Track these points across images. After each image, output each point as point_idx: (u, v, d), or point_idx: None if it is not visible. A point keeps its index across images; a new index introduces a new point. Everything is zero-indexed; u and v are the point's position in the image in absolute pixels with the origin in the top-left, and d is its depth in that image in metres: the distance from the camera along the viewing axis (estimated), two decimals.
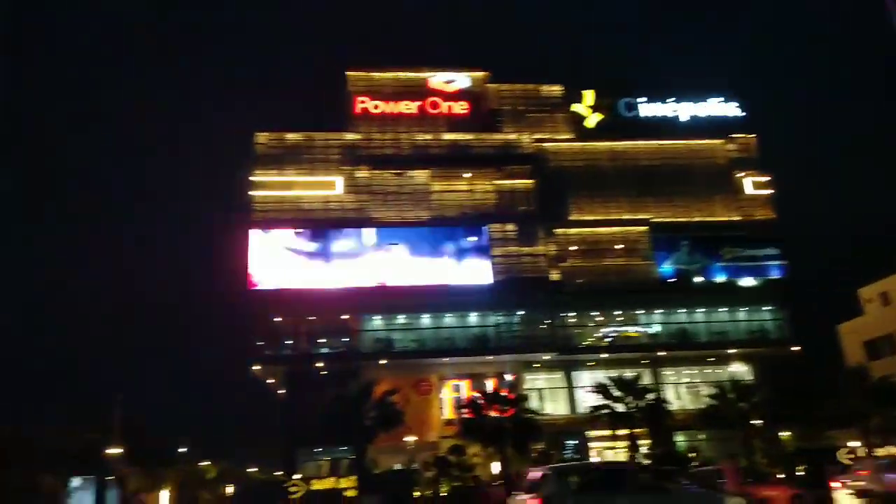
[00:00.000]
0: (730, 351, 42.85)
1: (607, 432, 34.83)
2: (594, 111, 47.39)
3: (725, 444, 37.25)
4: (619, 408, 32.46)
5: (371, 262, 40.91)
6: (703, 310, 43.49)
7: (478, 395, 33.53)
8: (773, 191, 46.29)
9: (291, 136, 44.17)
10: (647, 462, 30.60)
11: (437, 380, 40.66)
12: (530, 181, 44.25)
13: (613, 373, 36.61)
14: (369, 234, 41.74)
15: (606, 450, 39.13)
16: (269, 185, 42.38)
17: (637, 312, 43.26)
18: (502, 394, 33.22)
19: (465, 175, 44.34)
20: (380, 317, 40.87)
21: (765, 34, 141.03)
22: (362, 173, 43.39)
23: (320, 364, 39.16)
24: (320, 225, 41.60)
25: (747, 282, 43.60)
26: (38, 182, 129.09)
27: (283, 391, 41.90)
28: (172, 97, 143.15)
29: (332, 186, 42.90)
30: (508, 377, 40.18)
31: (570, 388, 42.04)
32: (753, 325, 43.28)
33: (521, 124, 46.83)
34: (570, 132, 47.00)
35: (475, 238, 42.38)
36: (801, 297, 44.02)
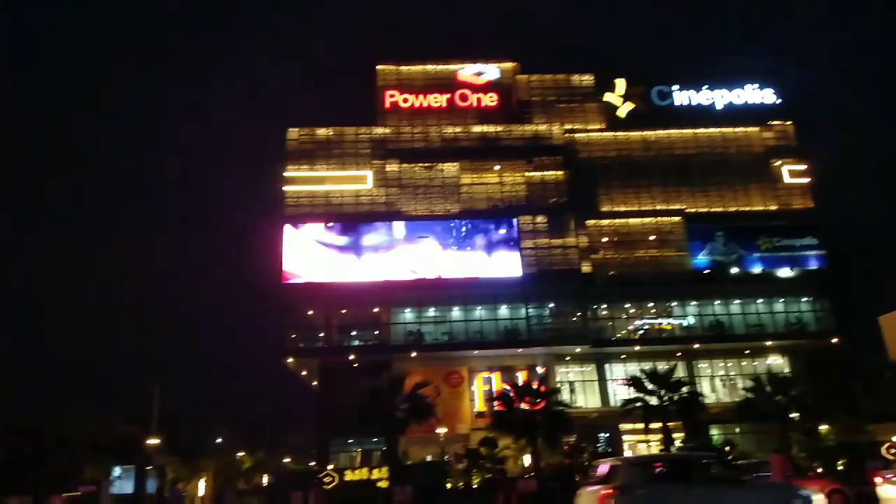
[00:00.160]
0: (767, 343, 41.97)
1: (640, 425, 34.48)
2: (626, 100, 46.77)
3: (761, 438, 36.64)
4: (653, 401, 32.12)
5: (401, 256, 41.13)
6: (739, 301, 42.65)
7: (508, 387, 33.52)
8: (811, 179, 45.11)
9: (322, 132, 44.59)
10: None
11: (468, 372, 40.74)
12: (561, 172, 43.88)
13: (646, 365, 36.24)
14: (399, 227, 41.94)
15: (639, 443, 38.81)
16: (300, 180, 42.90)
17: (671, 304, 42.67)
18: (533, 386, 33.15)
19: (495, 167, 44.18)
20: (410, 309, 41.06)
21: (801, 16, 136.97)
22: (392, 167, 43.60)
23: (352, 356, 39.62)
24: (351, 219, 41.96)
25: (785, 272, 42.60)
26: (70, 175, 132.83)
27: (316, 383, 42.53)
28: (204, 94, 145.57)
29: (362, 181, 43.21)
30: (539, 370, 40.03)
31: (602, 380, 41.73)
32: (791, 316, 42.27)
33: (552, 115, 46.47)
34: (601, 122, 46.49)
35: (505, 230, 42.25)
36: (841, 287, 42.86)
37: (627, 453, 36.89)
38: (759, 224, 43.49)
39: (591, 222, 43.34)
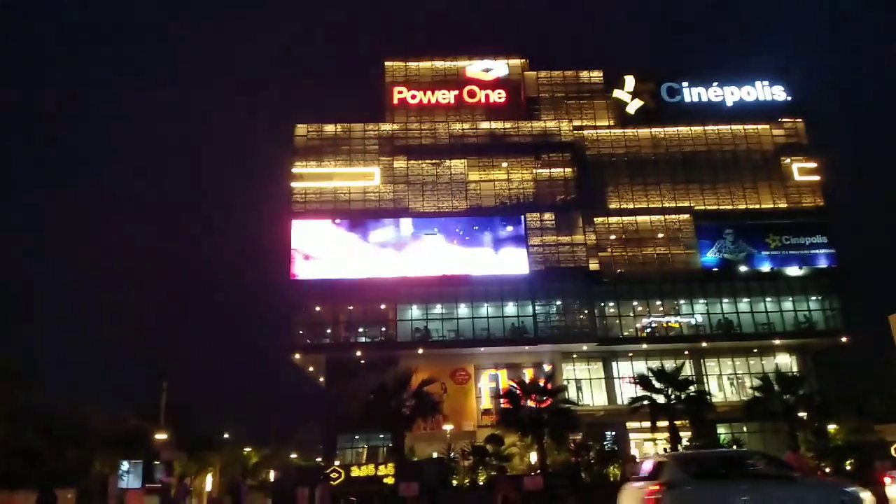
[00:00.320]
0: (775, 342, 41.74)
1: (647, 424, 34.35)
2: (635, 97, 46.60)
3: (769, 437, 36.48)
4: (660, 399, 31.97)
5: (408, 253, 41.15)
6: (748, 300, 42.41)
7: (515, 385, 33.45)
8: (821, 177, 44.78)
9: (330, 128, 44.66)
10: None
11: (475, 369, 40.77)
12: (569, 169, 43.76)
13: (654, 364, 36.14)
14: (407, 224, 41.97)
15: (646, 441, 38.72)
16: (308, 176, 43.00)
17: (679, 302, 42.50)
18: (540, 384, 33.06)
19: (503, 164, 44.13)
20: (417, 306, 41.11)
21: (812, 12, 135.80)
22: (400, 163, 43.61)
23: (359, 353, 39.71)
24: (359, 215, 42.03)
25: (794, 271, 42.35)
26: (76, 171, 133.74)
27: (323, 379, 42.66)
28: (211, 89, 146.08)
29: (370, 177, 43.26)
30: (546, 367, 39.98)
31: (610, 378, 41.65)
32: (800, 315, 42.00)
33: (560, 112, 46.38)
34: (610, 119, 46.33)
35: (512, 228, 42.18)
36: (851, 286, 42.55)
37: (634, 452, 36.82)
38: (768, 222, 43.25)
39: (599, 220, 43.22)
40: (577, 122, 45.70)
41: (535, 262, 41.25)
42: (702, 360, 42.10)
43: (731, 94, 47.02)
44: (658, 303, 42.52)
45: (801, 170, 44.71)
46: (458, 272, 40.68)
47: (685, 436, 32.98)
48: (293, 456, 48.13)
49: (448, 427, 35.79)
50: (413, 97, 46.11)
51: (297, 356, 40.24)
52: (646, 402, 32.17)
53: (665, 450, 35.04)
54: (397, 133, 44.64)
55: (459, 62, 47.46)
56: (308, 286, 40.06)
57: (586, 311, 41.27)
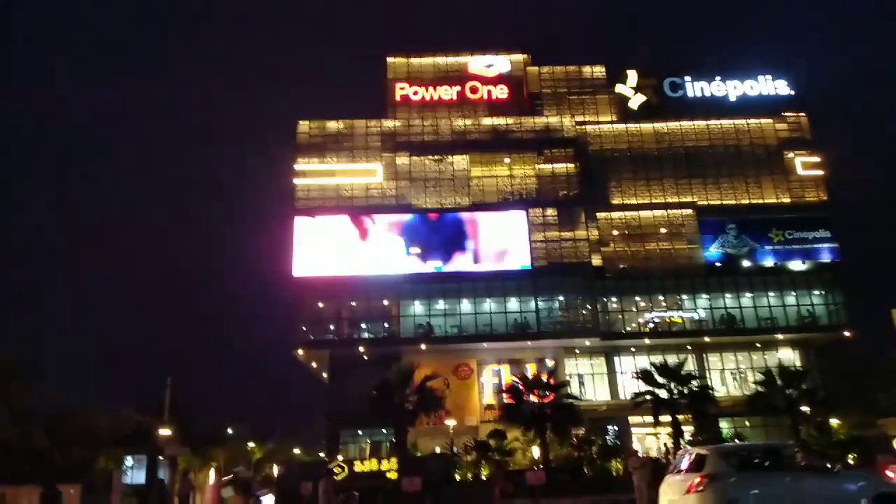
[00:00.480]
0: (778, 336, 41.70)
1: (649, 419, 34.44)
2: (637, 92, 46.51)
3: (771, 432, 36.49)
4: (663, 394, 32.07)
5: (411, 249, 41.16)
6: (751, 294, 42.34)
7: (518, 380, 33.57)
8: (824, 172, 44.64)
9: (332, 125, 44.68)
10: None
11: (477, 365, 40.84)
12: (572, 165, 43.72)
13: (657, 358, 36.16)
14: (410, 220, 41.97)
15: (648, 436, 38.76)
16: (310, 173, 43.04)
17: (682, 297, 42.44)
18: (542, 379, 33.17)
19: (505, 160, 44.09)
20: (420, 302, 41.17)
21: (817, 5, 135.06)
22: (402, 160, 43.61)
23: (362, 349, 39.80)
24: (361, 212, 42.06)
25: (797, 265, 42.26)
26: (78, 168, 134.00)
27: (327, 375, 42.79)
28: (213, 87, 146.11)
29: (372, 174, 43.29)
30: (549, 362, 40.04)
31: (612, 373, 41.68)
32: (803, 310, 41.92)
33: (563, 107, 46.32)
34: (612, 114, 46.25)
35: (516, 223, 42.07)
36: (854, 281, 42.46)
37: (637, 446, 36.83)
38: (771, 217, 43.15)
39: (601, 215, 43.19)
40: (579, 118, 45.64)
41: (537, 258, 41.25)
42: (704, 355, 42.10)
43: (733, 89, 46.88)
44: (661, 298, 42.50)
45: (804, 164, 44.58)
46: (460, 268, 40.70)
47: (687, 430, 33.03)
48: (296, 451, 48.36)
49: (451, 422, 35.88)
50: (415, 93, 46.13)
51: (301, 352, 40.35)
52: (648, 397, 32.26)
53: (665, 445, 35.09)
54: (399, 129, 44.63)
55: (461, 58, 47.45)
56: (311, 282, 40.14)
57: (589, 307, 41.27)
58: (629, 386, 38.85)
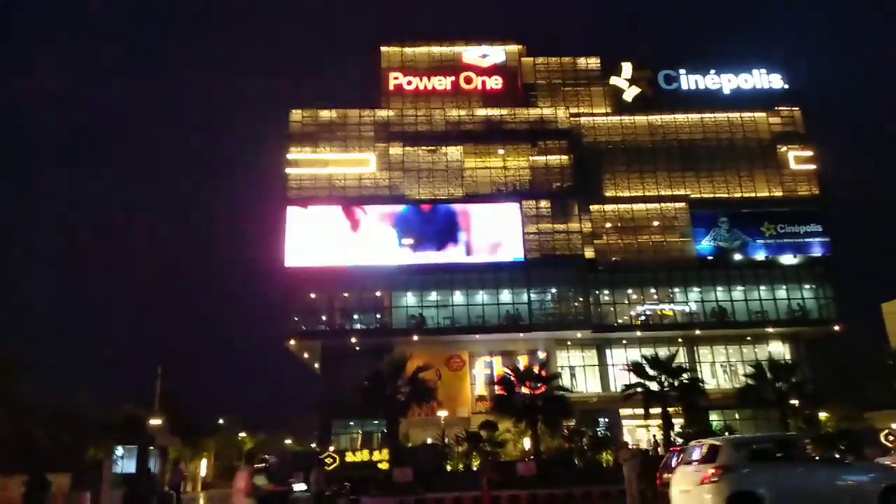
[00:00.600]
0: (769, 330, 41.94)
1: (640, 410, 34.63)
2: (632, 84, 46.43)
3: (760, 424, 36.79)
4: (653, 386, 32.25)
5: (404, 240, 41.05)
6: (742, 288, 42.54)
7: (509, 371, 33.65)
8: (817, 166, 44.78)
9: (325, 114, 44.39)
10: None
11: (469, 356, 40.90)
12: (565, 157, 43.65)
13: (648, 351, 36.35)
14: (403, 211, 41.83)
15: (639, 428, 39.00)
16: (303, 162, 42.78)
17: (673, 290, 42.59)
18: (534, 371, 33.27)
19: (499, 151, 43.96)
20: (412, 293, 41.12)
21: (817, 4, 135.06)
22: (396, 150, 43.42)
23: (354, 340, 39.75)
24: (354, 202, 41.87)
25: (788, 259, 42.47)
26: (69, 160, 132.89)
27: (319, 366, 42.75)
28: (205, 77, 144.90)
29: (365, 163, 43.08)
30: (541, 354, 40.12)
31: (603, 366, 41.85)
32: (794, 303, 42.18)
33: (557, 99, 46.21)
34: (607, 106, 46.18)
35: (508, 215, 42.04)
36: (845, 275, 42.76)
37: (627, 438, 37.05)
38: (763, 210, 43.30)
39: (595, 207, 43.21)
40: (573, 109, 45.55)
41: (530, 250, 41.25)
42: (695, 348, 42.34)
43: (728, 82, 46.88)
44: (653, 291, 42.63)
45: (796, 158, 44.70)
46: (453, 259, 40.66)
47: (677, 423, 33.25)
48: (288, 442, 48.38)
49: (443, 413, 35.96)
50: (409, 83, 45.89)
51: (292, 343, 40.26)
52: (639, 389, 32.42)
53: (654, 437, 35.29)
54: (393, 119, 44.41)
55: (456, 48, 47.20)
56: (303, 273, 39.99)
57: (581, 299, 41.36)
58: (620, 378, 39.02)
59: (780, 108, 45.93)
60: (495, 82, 46.24)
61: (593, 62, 47.22)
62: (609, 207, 43.53)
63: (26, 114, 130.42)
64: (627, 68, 46.63)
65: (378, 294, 41.01)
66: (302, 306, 40.42)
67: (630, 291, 42.63)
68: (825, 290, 42.31)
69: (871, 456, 21.78)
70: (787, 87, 46.74)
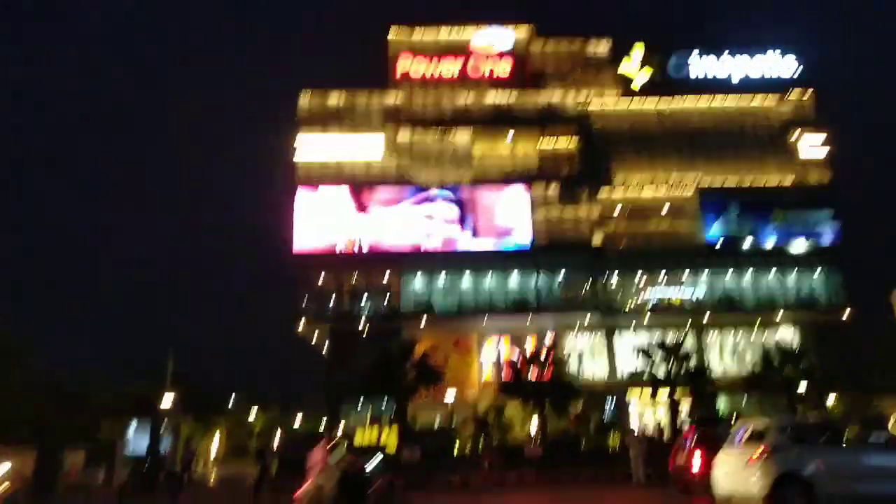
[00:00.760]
0: (777, 316, 41.82)
1: (647, 395, 34.77)
2: (642, 68, 46.00)
3: (767, 409, 36.77)
4: (661, 371, 32.35)
5: (412, 224, 41.13)
6: (751, 274, 42.40)
7: (517, 355, 33.80)
8: (829, 152, 44.35)
9: (334, 97, 44.35)
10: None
11: (477, 340, 41.07)
12: (574, 143, 43.45)
13: (656, 336, 36.34)
14: (411, 195, 41.82)
15: (646, 412, 39.12)
16: (312, 146, 42.79)
17: (682, 276, 42.50)
18: (542, 355, 33.39)
19: (508, 137, 43.83)
20: (420, 277, 41.26)
21: None
22: (404, 134, 43.36)
23: (363, 323, 39.96)
24: (362, 186, 41.91)
25: (798, 247, 42.24)
26: (79, 140, 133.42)
27: (327, 348, 43.04)
28: (212, 59, 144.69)
29: (374, 148, 43.06)
30: (548, 339, 40.23)
31: (611, 350, 41.90)
32: (803, 290, 42.03)
33: (566, 84, 45.88)
34: (616, 92, 45.87)
35: (516, 201, 41.98)
36: (854, 262, 42.43)
37: (633, 422, 37.25)
38: (773, 197, 43.00)
39: (603, 193, 43.05)
40: (583, 95, 45.24)
41: (538, 235, 41.22)
42: (703, 334, 42.29)
43: (740, 66, 46.39)
44: (661, 276, 42.55)
45: (808, 144, 44.29)
46: (461, 244, 40.72)
47: (684, 407, 33.34)
48: (298, 421, 48.85)
49: (450, 396, 36.19)
50: (417, 68, 45.65)
51: (302, 326, 40.53)
52: (646, 374, 32.51)
53: (658, 423, 35.37)
54: (401, 104, 44.30)
55: (465, 33, 46.78)
56: (312, 256, 40.16)
57: (589, 284, 41.35)
58: (628, 363, 39.10)
59: (792, 93, 45.45)
60: (503, 69, 45.95)
61: (603, 46, 46.77)
62: (618, 193, 43.37)
63: (29, 90, 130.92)
64: (638, 53, 46.22)
65: (386, 278, 41.16)
66: (311, 289, 40.63)
67: (638, 277, 42.57)
68: (834, 277, 42.11)
69: None
70: (800, 70, 46.20)
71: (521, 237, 41.11)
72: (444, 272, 41.19)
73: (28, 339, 25.07)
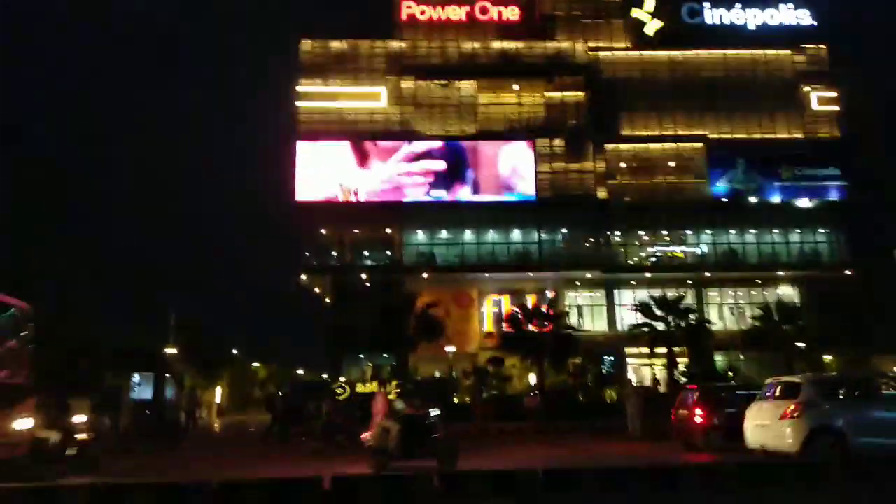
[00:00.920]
0: (779, 273, 41.79)
1: (645, 350, 35.12)
2: (654, 17, 44.70)
3: (764, 366, 37.17)
4: (660, 327, 32.61)
5: (415, 176, 40.75)
6: (755, 231, 42.19)
7: (517, 309, 34.06)
8: (840, 107, 43.45)
9: (336, 44, 43.29)
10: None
11: (478, 294, 41.24)
12: (582, 93, 42.57)
13: (656, 292, 36.45)
14: (414, 147, 41.31)
15: (643, 367, 39.60)
16: (314, 95, 42.05)
17: (686, 232, 42.30)
18: (542, 309, 33.66)
19: (514, 86, 42.94)
20: (423, 231, 41.16)
21: None
22: (407, 84, 42.50)
23: (364, 276, 40.09)
24: (365, 137, 41.37)
25: (804, 203, 41.85)
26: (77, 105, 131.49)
27: (330, 300, 43.34)
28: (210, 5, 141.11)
29: (376, 97, 42.30)
30: (549, 293, 40.40)
31: (611, 305, 42.05)
32: (807, 247, 41.87)
33: (576, 31, 44.66)
34: (627, 40, 44.70)
35: (524, 153, 41.45)
36: (860, 220, 42.05)
37: (631, 376, 37.75)
38: (781, 152, 42.36)
39: (610, 147, 42.44)
40: (592, 43, 44.08)
41: (543, 189, 40.86)
42: (704, 290, 42.35)
43: (753, 17, 45.03)
44: (664, 232, 42.37)
45: (819, 99, 43.38)
46: (464, 197, 40.43)
47: (682, 363, 33.74)
48: (300, 372, 49.72)
49: (451, 349, 36.62)
50: (423, 13, 44.37)
51: (304, 277, 40.71)
52: (646, 329, 32.78)
53: (655, 376, 35.80)
54: (405, 51, 43.27)
55: None
56: (313, 208, 40.00)
57: (592, 239, 41.24)
58: (627, 318, 39.33)
59: (806, 46, 44.25)
60: (512, 12, 44.62)
61: None
62: (624, 146, 42.74)
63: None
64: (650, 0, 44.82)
65: (388, 231, 41.09)
66: (313, 242, 40.64)
67: (642, 232, 42.41)
68: (839, 235, 41.87)
69: None
70: (814, 23, 44.83)
71: (525, 190, 40.72)
72: (446, 226, 41.02)
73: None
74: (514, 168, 41.06)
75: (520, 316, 32.94)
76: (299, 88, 42.04)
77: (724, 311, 42.45)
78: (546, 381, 31.88)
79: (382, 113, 42.18)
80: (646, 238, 42.36)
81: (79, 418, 14.23)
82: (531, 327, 32.32)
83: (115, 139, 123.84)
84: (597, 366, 35.97)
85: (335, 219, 40.28)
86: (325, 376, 42.41)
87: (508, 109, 42.80)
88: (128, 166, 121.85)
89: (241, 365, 40.49)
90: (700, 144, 42.54)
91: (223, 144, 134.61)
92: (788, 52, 44.17)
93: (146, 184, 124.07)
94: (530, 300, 38.40)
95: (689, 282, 41.25)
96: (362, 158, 40.84)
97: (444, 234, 41.23)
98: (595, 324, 41.81)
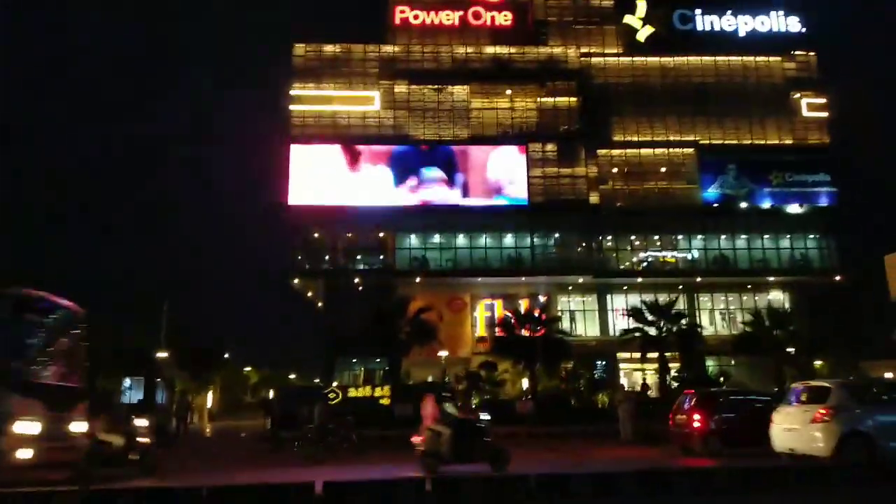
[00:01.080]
0: (770, 279, 42.08)
1: (637, 355, 35.24)
2: (646, 23, 45.00)
3: (755, 371, 37.42)
4: (652, 332, 32.73)
5: (408, 181, 40.75)
6: (746, 236, 42.48)
7: (510, 314, 34.11)
8: (829, 114, 43.86)
9: (329, 48, 43.32)
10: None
11: (471, 299, 41.28)
12: (574, 98, 42.76)
13: (648, 297, 36.60)
14: (407, 151, 41.33)
15: (635, 371, 39.73)
16: (307, 99, 42.04)
17: (677, 237, 42.53)
18: (534, 314, 33.70)
19: (507, 91, 43.07)
20: (416, 235, 41.18)
21: None
22: (400, 88, 42.56)
23: (357, 279, 40.04)
24: (358, 141, 41.34)
25: (794, 209, 42.16)
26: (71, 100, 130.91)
27: (322, 304, 43.24)
28: (205, 7, 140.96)
29: (369, 101, 42.32)
30: (541, 298, 40.48)
31: (603, 310, 42.22)
32: (797, 253, 42.18)
33: (568, 37, 44.89)
34: (619, 46, 44.95)
35: (513, 158, 41.57)
36: (850, 226, 42.46)
37: (623, 381, 37.86)
38: (772, 158, 42.71)
39: (602, 152, 42.65)
40: (584, 49, 44.33)
41: (535, 194, 40.97)
42: (696, 295, 42.58)
43: (744, 24, 45.45)
44: (656, 237, 42.59)
45: (809, 105, 43.77)
46: (457, 201, 40.48)
47: (673, 367, 33.86)
48: (292, 377, 49.52)
49: (443, 353, 36.59)
50: (416, 17, 44.52)
51: (296, 281, 40.61)
52: (637, 334, 32.89)
53: (644, 381, 35.92)
54: (398, 55, 43.35)
55: None
56: (306, 212, 39.91)
57: (584, 244, 41.39)
58: (619, 323, 39.48)
59: (796, 53, 44.67)
60: (504, 18, 44.83)
61: None
62: (616, 152, 42.96)
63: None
64: (642, 6, 45.10)
65: (381, 235, 41.08)
66: (306, 245, 40.57)
67: (633, 237, 42.61)
68: (829, 241, 42.21)
69: None
70: (804, 30, 45.31)
71: (518, 195, 40.81)
72: (439, 230, 41.06)
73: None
74: (506, 173, 41.17)
75: (512, 320, 32.99)
76: (293, 92, 42.01)
77: (716, 316, 42.72)
78: (538, 386, 31.91)
79: (375, 117, 42.21)
80: (637, 243, 42.57)
81: (140, 422, 14.25)
82: (524, 332, 32.38)
83: (107, 141, 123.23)
84: (589, 370, 36.04)
85: (328, 222, 40.23)
86: (316, 381, 42.23)
87: (501, 114, 42.93)
88: (121, 169, 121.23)
89: (233, 369, 40.28)
90: (691, 150, 42.83)
91: (216, 148, 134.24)
92: (779, 58, 44.57)
93: (139, 187, 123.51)
94: (523, 305, 38.47)
95: (680, 287, 41.46)
96: (352, 164, 40.80)
97: (436, 238, 41.26)
98: (587, 328, 41.95)
